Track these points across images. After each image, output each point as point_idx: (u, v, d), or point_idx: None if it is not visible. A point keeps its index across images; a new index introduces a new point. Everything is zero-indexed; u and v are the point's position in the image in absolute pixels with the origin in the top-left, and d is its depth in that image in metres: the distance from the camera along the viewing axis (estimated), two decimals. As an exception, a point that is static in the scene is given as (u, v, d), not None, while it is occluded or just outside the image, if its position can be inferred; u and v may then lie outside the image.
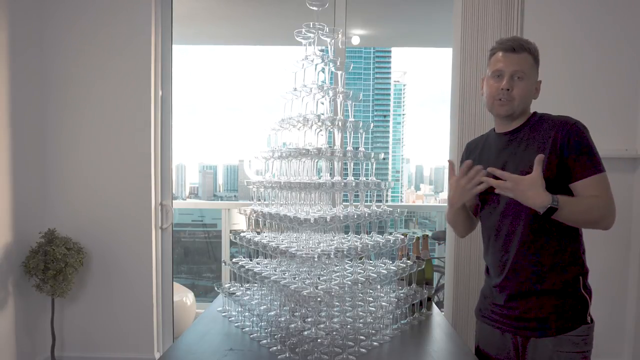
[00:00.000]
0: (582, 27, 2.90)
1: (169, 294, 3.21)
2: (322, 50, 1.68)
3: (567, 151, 1.44)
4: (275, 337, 1.48)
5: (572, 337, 1.46)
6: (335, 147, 1.62)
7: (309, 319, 1.44)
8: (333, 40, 1.68)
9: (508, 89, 1.50)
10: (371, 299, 1.69)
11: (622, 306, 2.97)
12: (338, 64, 1.67)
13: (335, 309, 1.55)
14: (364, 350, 1.43)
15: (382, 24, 4.28)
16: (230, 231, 4.16)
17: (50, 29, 2.97)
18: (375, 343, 1.50)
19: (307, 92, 1.62)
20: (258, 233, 1.82)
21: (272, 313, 1.56)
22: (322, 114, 1.61)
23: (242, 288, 1.82)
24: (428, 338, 1.66)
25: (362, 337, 1.48)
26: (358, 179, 1.65)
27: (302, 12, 1.71)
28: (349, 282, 1.51)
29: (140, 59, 2.98)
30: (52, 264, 2.70)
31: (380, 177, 1.87)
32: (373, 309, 1.62)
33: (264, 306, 1.63)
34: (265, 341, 1.50)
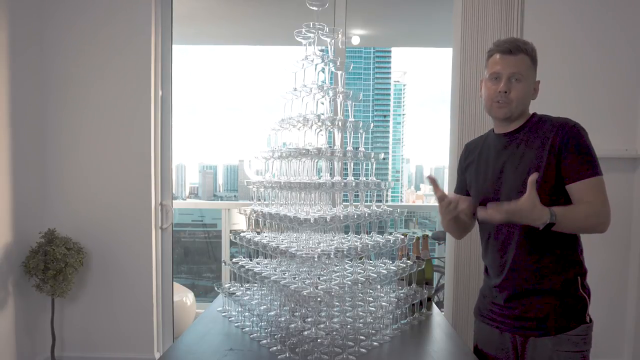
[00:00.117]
0: (582, 27, 2.90)
1: (169, 294, 3.21)
2: (322, 50, 1.68)
3: (565, 152, 1.44)
4: (275, 337, 1.48)
5: (572, 337, 1.47)
6: (335, 147, 1.62)
7: (309, 319, 1.44)
8: (333, 40, 1.68)
9: (506, 92, 1.49)
10: (371, 299, 1.70)
11: (622, 306, 2.97)
12: (338, 64, 1.67)
13: (335, 309, 1.55)
14: (364, 350, 1.43)
15: (382, 24, 4.28)
16: (230, 231, 4.15)
17: (50, 28, 2.97)
18: (375, 343, 1.50)
19: (307, 92, 1.62)
20: (258, 233, 1.82)
21: (272, 313, 1.56)
22: (322, 114, 1.61)
23: (242, 288, 1.82)
24: (428, 338, 1.66)
25: (362, 337, 1.48)
26: (358, 179, 1.65)
27: (302, 12, 1.71)
28: (349, 282, 1.51)
29: (140, 59, 2.98)
30: (52, 264, 2.70)
31: (380, 177, 1.87)
32: (373, 309, 1.62)
33: (264, 306, 1.63)
34: (265, 341, 1.50)
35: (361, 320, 1.53)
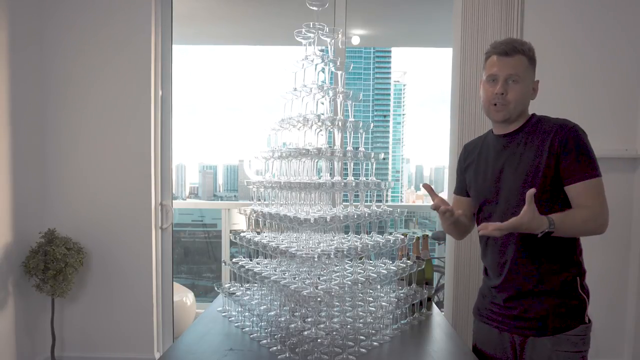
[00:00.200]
0: (582, 27, 2.90)
1: (169, 294, 3.20)
2: (322, 50, 1.68)
3: (564, 154, 1.44)
4: (275, 337, 1.48)
5: (571, 337, 1.47)
6: (335, 147, 1.62)
7: (309, 319, 1.44)
8: (333, 40, 1.68)
9: (503, 93, 1.50)
10: (371, 299, 1.70)
11: (622, 306, 2.97)
12: (338, 64, 1.67)
13: (335, 309, 1.55)
14: (364, 350, 1.43)
15: (382, 24, 4.28)
16: (230, 231, 4.15)
17: (50, 28, 2.97)
18: (375, 343, 1.50)
19: (307, 92, 1.62)
20: (258, 233, 1.82)
21: (272, 313, 1.56)
22: (322, 114, 1.61)
23: (242, 288, 1.82)
24: (428, 338, 1.66)
25: (362, 337, 1.48)
26: (358, 179, 1.65)
27: (302, 12, 1.71)
28: (349, 282, 1.51)
29: (140, 58, 2.98)
30: (52, 264, 2.70)
31: (380, 177, 1.87)
32: (373, 309, 1.62)
33: (264, 306, 1.63)
34: (265, 341, 1.50)
35: (361, 320, 1.53)
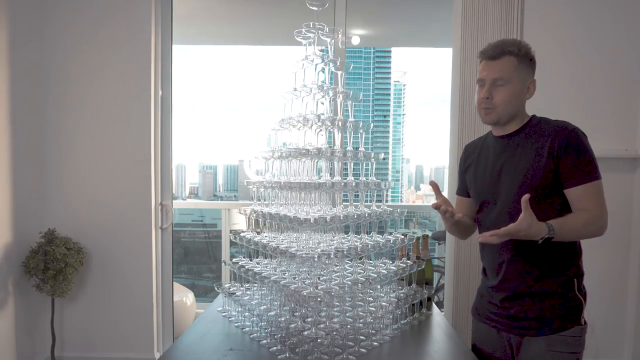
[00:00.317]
0: (582, 27, 2.90)
1: (169, 294, 3.20)
2: (322, 50, 1.68)
3: (564, 156, 1.43)
4: (275, 337, 1.48)
5: (566, 338, 1.47)
6: (335, 147, 1.62)
7: (309, 319, 1.44)
8: (333, 40, 1.68)
9: (488, 98, 1.50)
10: (371, 299, 1.70)
11: (622, 306, 2.97)
12: (338, 64, 1.67)
13: (335, 309, 1.55)
14: (364, 350, 1.43)
15: (382, 24, 4.28)
16: (230, 231, 4.16)
17: (50, 28, 2.97)
18: (375, 343, 1.50)
19: (307, 92, 1.62)
20: (258, 233, 1.82)
21: (272, 313, 1.56)
22: (322, 114, 1.61)
23: (242, 288, 1.82)
24: (428, 338, 1.66)
25: (362, 337, 1.48)
26: (358, 179, 1.65)
27: (302, 12, 1.71)
28: (349, 282, 1.51)
29: (140, 58, 2.98)
30: (52, 264, 2.70)
31: (380, 177, 1.87)
32: (373, 309, 1.62)
33: (264, 306, 1.63)
34: (265, 341, 1.50)
35: (361, 320, 1.53)
